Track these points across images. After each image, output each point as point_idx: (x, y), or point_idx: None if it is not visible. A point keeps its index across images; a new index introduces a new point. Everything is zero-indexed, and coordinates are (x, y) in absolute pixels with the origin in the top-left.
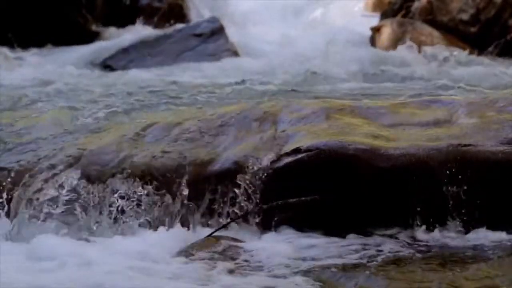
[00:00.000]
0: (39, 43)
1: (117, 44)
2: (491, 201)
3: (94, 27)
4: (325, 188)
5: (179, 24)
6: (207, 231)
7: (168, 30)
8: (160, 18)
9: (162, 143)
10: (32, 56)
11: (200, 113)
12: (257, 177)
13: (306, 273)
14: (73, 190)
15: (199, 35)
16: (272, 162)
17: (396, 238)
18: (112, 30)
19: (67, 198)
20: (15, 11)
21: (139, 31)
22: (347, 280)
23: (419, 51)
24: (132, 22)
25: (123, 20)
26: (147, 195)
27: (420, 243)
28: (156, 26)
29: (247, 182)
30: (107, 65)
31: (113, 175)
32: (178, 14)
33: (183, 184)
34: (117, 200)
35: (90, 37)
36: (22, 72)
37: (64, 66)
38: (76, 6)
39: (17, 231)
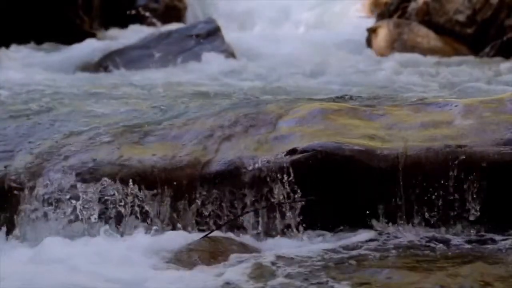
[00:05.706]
0: (36, 43)
1: (113, 45)
2: (488, 201)
3: (90, 28)
4: (321, 189)
5: (175, 25)
6: (201, 232)
7: (165, 31)
8: (157, 19)
9: (157, 144)
10: (29, 56)
11: (196, 115)
12: (253, 178)
13: (302, 273)
14: (70, 190)
15: (195, 36)
16: (269, 163)
17: (392, 237)
18: (108, 30)
19: (63, 198)
20: (12, 10)
21: (136, 32)
22: (348, 280)
23: (415, 52)
24: (129, 23)
25: (120, 21)
26: (143, 196)
27: (417, 242)
28: (153, 26)
29: (243, 183)
30: (103, 66)
31: (109, 176)
32: (174, 15)
33: (178, 185)
34: (113, 201)
35: (87, 38)
36: (17, 72)
37: (60, 67)
38: (73, 6)
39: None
